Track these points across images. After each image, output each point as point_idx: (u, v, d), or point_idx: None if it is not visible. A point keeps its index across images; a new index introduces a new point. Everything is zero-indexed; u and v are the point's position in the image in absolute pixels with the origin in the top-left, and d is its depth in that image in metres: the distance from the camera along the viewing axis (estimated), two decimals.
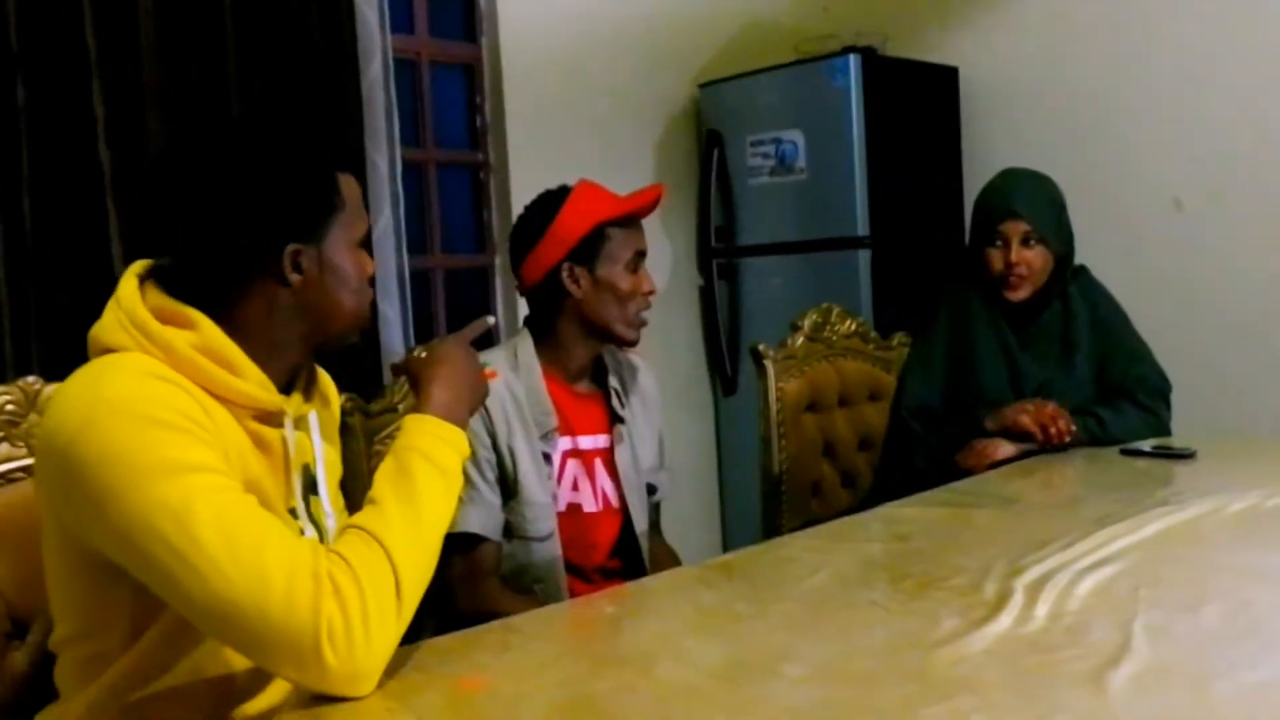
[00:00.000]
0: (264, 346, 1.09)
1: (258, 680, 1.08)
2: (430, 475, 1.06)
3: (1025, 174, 2.12)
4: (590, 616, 1.24)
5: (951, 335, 2.11)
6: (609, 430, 1.77)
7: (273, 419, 1.11)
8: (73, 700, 1.09)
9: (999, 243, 2.02)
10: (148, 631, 1.05)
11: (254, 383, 1.08)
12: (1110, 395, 2.05)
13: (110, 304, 1.07)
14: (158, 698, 1.06)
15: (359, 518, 1.03)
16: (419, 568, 1.01)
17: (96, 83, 2.16)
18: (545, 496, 1.66)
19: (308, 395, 1.19)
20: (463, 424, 1.14)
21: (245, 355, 1.07)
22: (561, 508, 1.70)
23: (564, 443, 1.72)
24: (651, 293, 1.74)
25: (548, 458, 1.68)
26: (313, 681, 0.95)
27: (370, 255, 1.22)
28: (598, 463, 1.75)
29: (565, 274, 1.70)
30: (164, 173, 1.12)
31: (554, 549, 1.66)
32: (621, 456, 1.76)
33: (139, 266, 1.11)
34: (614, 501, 1.75)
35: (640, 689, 0.96)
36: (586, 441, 1.75)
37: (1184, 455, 1.87)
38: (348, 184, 1.14)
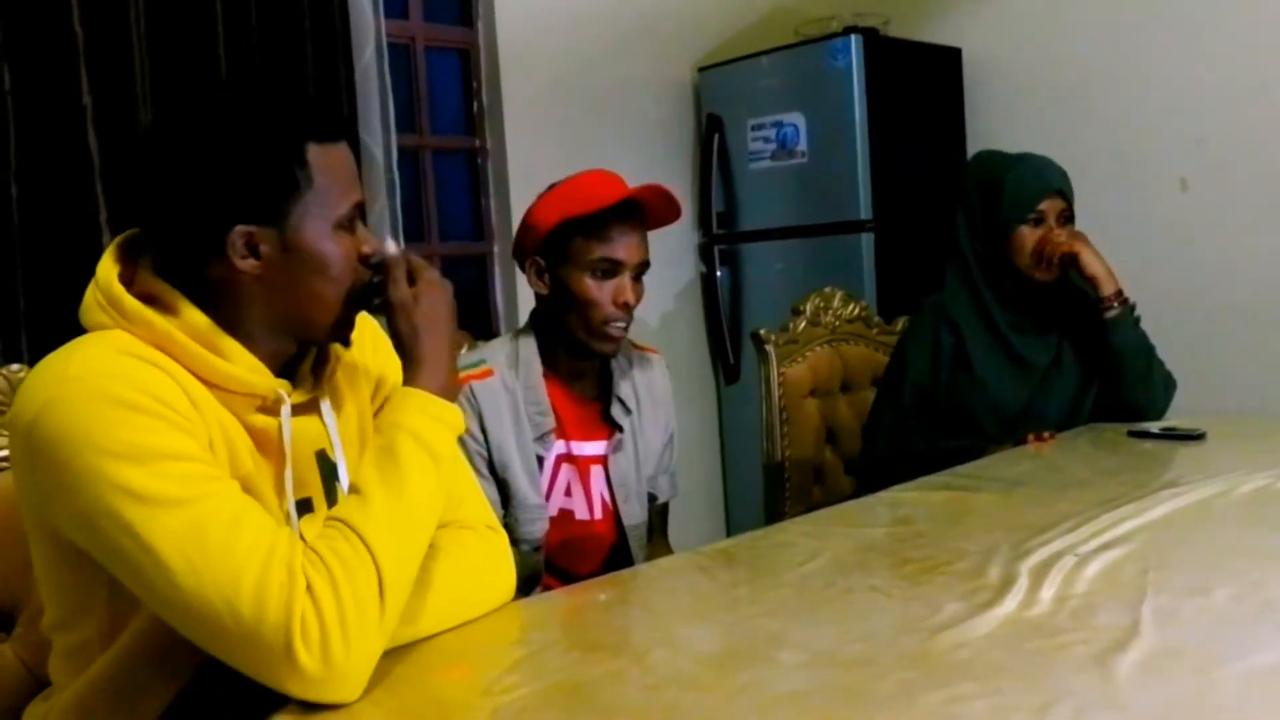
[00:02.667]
0: (240, 332, 1.03)
1: None
2: (420, 459, 0.98)
3: (1043, 157, 2.08)
4: (582, 603, 1.21)
5: (944, 347, 2.03)
6: (609, 436, 1.69)
7: (272, 408, 1.05)
8: (64, 691, 1.06)
9: (1032, 220, 1.98)
10: (129, 624, 1.01)
11: (243, 366, 1.02)
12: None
13: (90, 284, 1.02)
14: (143, 695, 1.02)
15: (339, 509, 0.97)
16: (405, 562, 0.95)
17: (84, 70, 2.14)
18: (538, 498, 1.60)
19: (318, 379, 1.12)
20: (454, 395, 1.07)
21: (231, 339, 1.01)
22: (553, 513, 1.63)
23: (559, 446, 1.64)
24: (626, 305, 1.58)
25: (540, 461, 1.61)
26: (290, 685, 0.87)
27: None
28: (595, 470, 1.67)
29: (532, 270, 1.62)
30: (134, 153, 1.09)
31: (539, 554, 1.61)
32: (618, 464, 1.68)
33: (121, 240, 1.06)
34: (611, 509, 1.68)
35: (631, 676, 0.93)
36: (582, 448, 1.66)
37: (1192, 437, 1.83)
38: (328, 159, 1.03)
